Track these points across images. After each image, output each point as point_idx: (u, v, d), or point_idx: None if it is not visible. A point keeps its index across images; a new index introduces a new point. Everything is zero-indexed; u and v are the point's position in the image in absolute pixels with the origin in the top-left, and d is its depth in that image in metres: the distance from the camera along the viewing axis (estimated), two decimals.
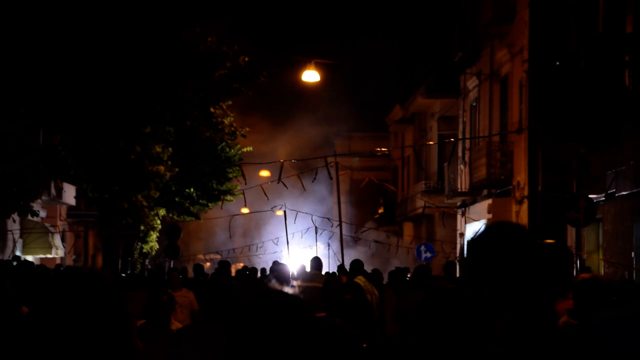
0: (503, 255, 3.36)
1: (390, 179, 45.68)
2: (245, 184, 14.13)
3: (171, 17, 22.07)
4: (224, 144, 26.10)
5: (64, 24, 20.02)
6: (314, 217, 27.14)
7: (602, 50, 18.82)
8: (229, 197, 26.13)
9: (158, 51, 21.39)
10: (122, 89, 21.27)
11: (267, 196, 14.11)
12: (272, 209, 26.66)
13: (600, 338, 2.64)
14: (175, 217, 26.80)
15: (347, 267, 15.45)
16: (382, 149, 33.40)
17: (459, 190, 30.70)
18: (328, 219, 26.78)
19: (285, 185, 12.49)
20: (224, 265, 16.96)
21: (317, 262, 14.61)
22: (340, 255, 17.20)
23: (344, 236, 22.33)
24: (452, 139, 24.91)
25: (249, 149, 26.65)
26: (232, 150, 26.23)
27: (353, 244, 29.77)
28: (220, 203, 26.44)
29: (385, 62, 46.14)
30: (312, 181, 13.05)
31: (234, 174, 25.56)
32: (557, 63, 19.24)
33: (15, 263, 15.53)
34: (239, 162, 25.47)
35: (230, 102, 25.51)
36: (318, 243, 27.47)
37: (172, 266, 23.71)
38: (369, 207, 46.56)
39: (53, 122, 21.98)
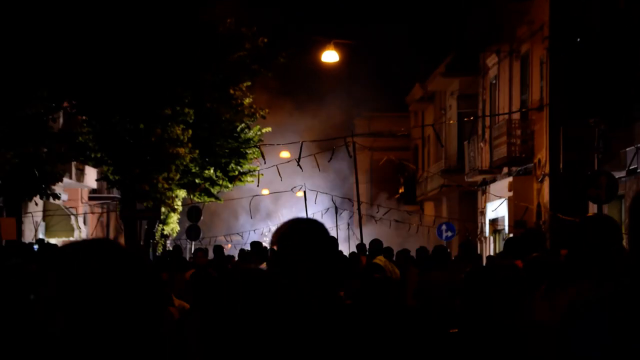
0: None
1: (411, 158, 45.60)
2: (265, 163, 14.13)
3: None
4: (243, 125, 26.12)
5: (87, 6, 20.08)
6: (334, 198, 27.16)
7: (622, 27, 18.67)
8: (248, 178, 26.19)
9: (177, 32, 21.41)
10: (141, 71, 21.33)
11: (281, 177, 14.15)
12: (292, 190, 26.71)
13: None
14: (195, 198, 26.89)
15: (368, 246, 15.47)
16: (401, 130, 33.24)
17: (480, 168, 30.61)
18: (349, 199, 26.78)
19: (300, 167, 12.49)
20: (218, 251, 16.55)
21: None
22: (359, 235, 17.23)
23: (364, 216, 22.35)
24: (471, 117, 24.79)
25: (269, 129, 26.67)
26: (252, 132, 26.24)
27: (374, 224, 29.76)
28: (240, 183, 26.49)
29: (405, 41, 45.96)
30: (329, 161, 13.09)
31: (254, 155, 25.64)
32: (578, 40, 19.11)
33: (36, 246, 15.63)
34: (258, 143, 25.48)
35: (249, 83, 25.51)
36: (339, 223, 27.52)
37: (192, 247, 23.81)
38: (390, 186, 46.51)
39: (74, 105, 22.09)
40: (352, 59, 35.17)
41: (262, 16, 26.62)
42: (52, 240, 22.48)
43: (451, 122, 33.64)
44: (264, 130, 26.46)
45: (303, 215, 22.87)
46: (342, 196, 30.10)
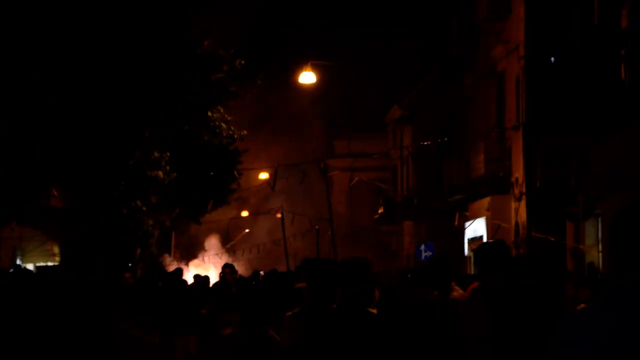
0: None
1: (390, 178, 45.68)
2: (239, 188, 14.11)
3: (168, 20, 22.06)
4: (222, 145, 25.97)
5: (61, 29, 20.01)
6: (313, 219, 27.15)
7: (598, 45, 18.81)
8: (225, 202, 26.10)
9: (155, 55, 21.38)
10: (119, 93, 21.28)
11: (262, 198, 14.19)
12: (270, 212, 26.67)
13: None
14: (172, 222, 26.78)
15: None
16: (376, 154, 33.35)
17: (458, 188, 30.70)
18: (326, 219, 26.76)
19: (272, 189, 12.53)
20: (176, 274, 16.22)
21: None
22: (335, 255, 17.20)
23: (344, 236, 22.31)
24: (445, 139, 24.94)
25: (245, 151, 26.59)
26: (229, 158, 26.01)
27: (353, 244, 29.78)
28: (218, 206, 26.39)
29: (383, 61, 46.13)
30: (300, 183, 13.09)
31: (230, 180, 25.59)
32: (552, 59, 19.24)
33: (11, 270, 15.47)
34: (235, 166, 25.44)
35: (227, 105, 25.48)
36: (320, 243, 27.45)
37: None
38: (370, 207, 46.53)
39: (51, 128, 21.96)
40: (330, 79, 35.23)
41: (240, 38, 26.64)
42: (29, 266, 22.32)
43: (427, 143, 33.72)
44: (241, 152, 26.35)
45: (280, 235, 22.85)
46: (322, 217, 30.07)
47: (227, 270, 15.63)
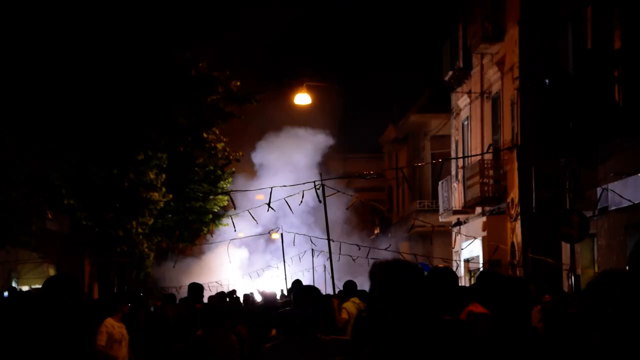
0: None
1: (386, 199, 45.71)
2: (235, 209, 14.13)
3: (162, 43, 22.11)
4: (218, 171, 26.05)
5: (61, 47, 20.04)
6: (312, 239, 27.07)
7: (591, 66, 18.89)
8: (223, 220, 26.06)
9: (150, 77, 21.42)
10: (114, 115, 21.30)
11: (256, 221, 14.18)
12: (269, 233, 26.59)
13: None
14: (168, 243, 26.77)
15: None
16: (371, 174, 33.40)
17: (454, 208, 30.73)
18: (325, 239, 26.68)
19: (272, 209, 12.53)
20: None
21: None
22: (334, 277, 17.18)
23: (340, 256, 22.29)
24: (440, 160, 25.01)
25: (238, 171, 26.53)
26: (224, 179, 26.02)
27: (351, 263, 29.71)
28: (212, 227, 26.35)
29: (378, 83, 46.24)
30: (299, 204, 13.11)
31: (225, 201, 25.55)
32: (547, 81, 19.31)
33: (6, 294, 15.46)
34: (229, 190, 25.46)
35: (222, 126, 25.50)
36: (316, 265, 27.36)
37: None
38: (367, 227, 46.51)
39: (44, 150, 21.94)
40: (325, 100, 35.32)
41: (235, 59, 26.72)
42: (25, 288, 22.28)
43: (421, 164, 33.78)
44: (233, 174, 26.29)
45: (280, 257, 22.80)
46: (319, 237, 30.00)
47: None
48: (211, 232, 25.81)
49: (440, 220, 32.06)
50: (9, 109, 19.47)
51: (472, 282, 29.54)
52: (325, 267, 30.29)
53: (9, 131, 19.55)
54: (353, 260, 29.62)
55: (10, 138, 19.45)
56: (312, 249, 26.93)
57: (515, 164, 24.22)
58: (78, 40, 20.32)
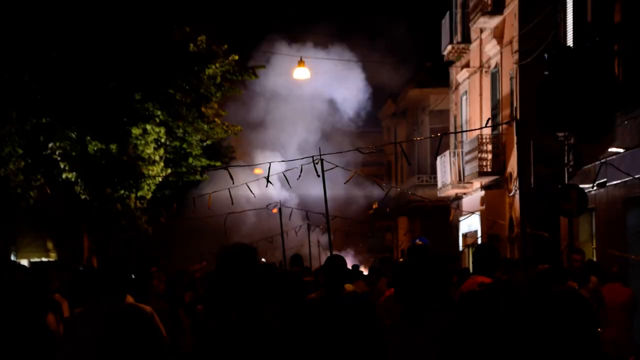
0: None
1: (385, 173, 45.70)
2: (233, 183, 14.13)
3: (161, 18, 22.03)
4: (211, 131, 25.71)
5: (60, 24, 19.99)
6: (309, 214, 27.03)
7: (591, 40, 18.82)
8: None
9: (149, 52, 21.36)
10: (111, 89, 21.26)
11: (254, 194, 14.12)
12: (268, 207, 26.47)
13: None
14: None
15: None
16: (369, 148, 33.34)
17: (452, 183, 30.74)
18: (322, 214, 26.65)
19: (271, 183, 12.48)
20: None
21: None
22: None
23: (338, 231, 22.29)
24: (438, 134, 24.97)
25: (239, 128, 26.27)
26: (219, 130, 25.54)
27: (346, 239, 29.74)
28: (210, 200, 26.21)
29: (376, 56, 46.05)
30: (297, 179, 13.06)
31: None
32: (546, 56, 19.24)
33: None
34: (227, 166, 25.32)
35: (218, 96, 25.31)
36: (312, 239, 27.37)
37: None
38: (365, 201, 46.52)
39: (43, 125, 21.91)
40: (323, 75, 35.19)
41: (233, 33, 26.60)
42: (24, 261, 22.29)
43: (419, 138, 33.74)
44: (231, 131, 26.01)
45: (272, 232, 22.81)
46: (318, 212, 29.94)
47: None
48: (209, 206, 25.73)
49: (438, 195, 32.07)
50: (7, 83, 19.44)
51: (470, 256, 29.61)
52: (319, 242, 30.35)
53: (7, 105, 19.53)
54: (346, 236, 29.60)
55: (9, 112, 19.45)
56: (309, 224, 26.91)
57: (514, 139, 24.19)
58: (78, 14, 20.26)
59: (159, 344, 5.98)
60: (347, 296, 7.55)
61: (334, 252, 9.63)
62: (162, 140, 22.91)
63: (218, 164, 25.96)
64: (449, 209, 32.46)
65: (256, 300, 4.60)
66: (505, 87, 25.88)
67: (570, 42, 20.15)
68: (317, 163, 10.30)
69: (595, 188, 18.13)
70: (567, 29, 20.57)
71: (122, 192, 22.58)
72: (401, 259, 25.08)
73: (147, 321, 6.00)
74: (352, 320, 7.17)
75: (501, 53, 26.23)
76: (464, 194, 30.42)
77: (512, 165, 24.77)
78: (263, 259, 25.07)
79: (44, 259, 24.99)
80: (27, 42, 19.89)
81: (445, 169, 31.66)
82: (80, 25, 20.42)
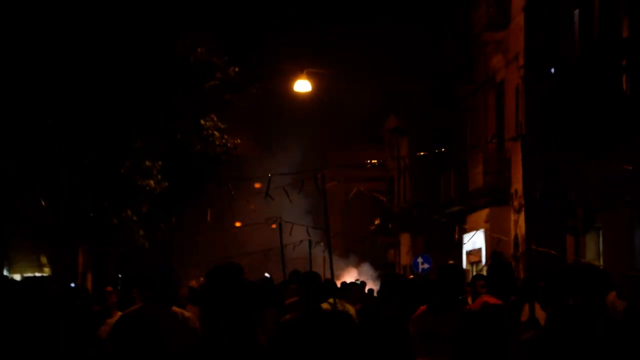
0: None
1: (386, 189, 45.27)
2: (233, 198, 13.83)
3: (162, 31, 21.77)
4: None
5: (60, 38, 19.76)
6: (309, 230, 26.66)
7: (598, 55, 18.49)
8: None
9: (149, 64, 21.10)
10: (110, 102, 20.97)
11: (254, 208, 13.85)
12: (267, 221, 26.10)
13: None
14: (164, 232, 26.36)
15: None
16: (370, 162, 33.08)
17: (456, 199, 30.32)
18: (322, 229, 26.26)
19: (271, 197, 12.18)
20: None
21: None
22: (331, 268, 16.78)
23: (339, 248, 21.83)
24: (442, 149, 24.63)
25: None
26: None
27: (347, 256, 29.36)
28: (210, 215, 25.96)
29: (380, 71, 45.82)
30: (298, 193, 12.76)
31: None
32: (552, 70, 18.89)
33: None
34: (227, 180, 25.00)
35: (222, 113, 25.10)
36: (314, 255, 27.02)
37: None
38: (366, 218, 46.16)
39: (39, 136, 21.61)
40: (325, 88, 34.87)
41: (234, 45, 26.25)
42: (17, 277, 21.92)
43: (423, 154, 33.38)
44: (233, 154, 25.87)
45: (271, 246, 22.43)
46: (319, 227, 29.60)
47: None
48: (209, 220, 25.43)
49: (442, 211, 31.64)
50: (5, 93, 19.21)
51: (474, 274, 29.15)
52: (324, 259, 29.97)
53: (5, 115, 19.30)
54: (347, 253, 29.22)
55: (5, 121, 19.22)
56: (310, 240, 26.54)
57: (519, 154, 23.77)
58: (78, 27, 20.03)
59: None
60: (324, 314, 7.53)
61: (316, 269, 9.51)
62: (161, 153, 22.65)
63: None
64: (452, 226, 32.05)
65: (241, 314, 4.87)
66: (511, 101, 25.49)
67: (577, 57, 19.80)
68: (318, 178, 9.98)
69: (602, 206, 17.73)
70: (574, 44, 20.22)
71: (119, 205, 22.28)
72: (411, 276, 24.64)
73: (192, 328, 6.45)
74: (328, 339, 7.25)
75: (506, 67, 25.87)
76: (468, 210, 29.98)
77: (517, 182, 24.34)
78: (267, 274, 24.73)
79: (37, 274, 24.64)
80: (28, 57, 19.67)
81: (448, 185, 31.25)
82: (81, 35, 20.19)
